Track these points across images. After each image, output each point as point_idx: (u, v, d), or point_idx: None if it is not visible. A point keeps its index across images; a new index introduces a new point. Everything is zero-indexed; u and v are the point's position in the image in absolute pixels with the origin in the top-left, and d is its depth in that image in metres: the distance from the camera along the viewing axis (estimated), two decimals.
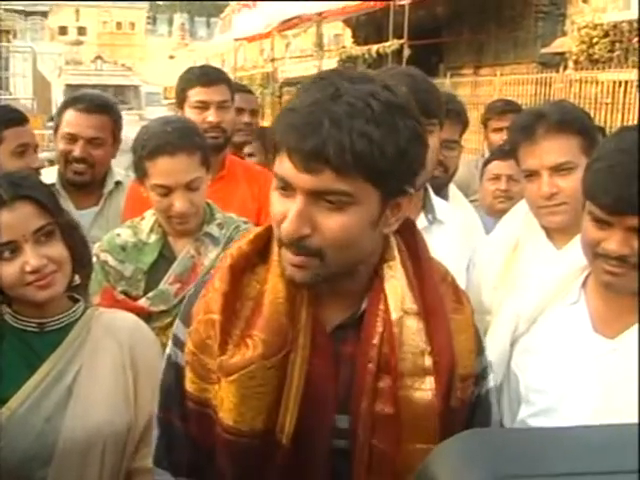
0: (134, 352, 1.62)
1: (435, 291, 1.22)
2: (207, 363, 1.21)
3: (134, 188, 2.54)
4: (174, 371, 1.31)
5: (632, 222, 1.37)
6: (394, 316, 1.17)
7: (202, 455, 1.27)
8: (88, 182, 2.67)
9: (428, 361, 1.16)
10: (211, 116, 2.59)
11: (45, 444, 1.49)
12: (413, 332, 1.17)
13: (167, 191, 1.97)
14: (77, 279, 1.66)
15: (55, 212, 1.57)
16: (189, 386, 1.25)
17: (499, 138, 3.69)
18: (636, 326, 1.45)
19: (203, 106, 2.61)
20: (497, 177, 3.03)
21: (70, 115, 2.62)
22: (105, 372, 1.58)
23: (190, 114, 2.60)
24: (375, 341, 1.17)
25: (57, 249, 1.55)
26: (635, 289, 1.43)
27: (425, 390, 1.15)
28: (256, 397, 1.16)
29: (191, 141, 1.99)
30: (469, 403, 1.23)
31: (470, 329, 1.25)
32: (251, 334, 1.16)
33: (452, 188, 2.55)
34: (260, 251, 1.23)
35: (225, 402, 1.17)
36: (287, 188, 1.10)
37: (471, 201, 3.01)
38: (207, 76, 2.65)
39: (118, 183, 2.76)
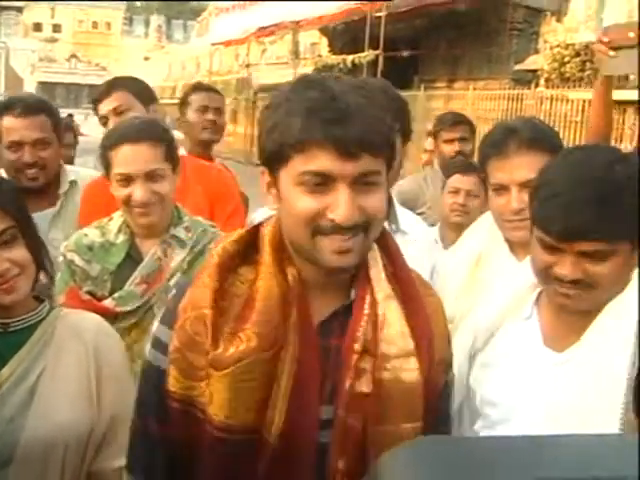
0: (98, 353, 1.61)
1: (409, 277, 1.30)
2: (194, 360, 1.21)
3: (88, 190, 2.54)
4: (154, 375, 1.30)
5: (583, 247, 1.38)
6: (380, 297, 1.24)
7: (182, 459, 1.27)
8: (43, 186, 2.59)
9: (411, 342, 1.22)
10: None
11: (6, 444, 1.48)
12: (395, 315, 1.24)
13: (128, 180, 1.97)
14: (42, 279, 1.65)
15: (17, 215, 1.55)
16: (172, 385, 1.24)
17: (450, 149, 3.75)
18: (581, 340, 1.48)
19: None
20: (456, 191, 3.09)
21: (9, 122, 2.52)
22: (69, 372, 1.58)
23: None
24: (363, 322, 1.22)
25: (20, 252, 1.53)
26: (588, 307, 1.46)
27: (411, 370, 1.21)
28: (248, 391, 1.17)
29: (154, 133, 2.01)
30: (440, 389, 1.31)
31: (443, 316, 1.34)
32: (243, 329, 1.18)
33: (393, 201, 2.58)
34: (242, 253, 1.27)
35: (216, 398, 1.18)
36: (324, 183, 1.14)
37: (418, 213, 3.07)
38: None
39: (73, 182, 2.71)
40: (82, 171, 2.99)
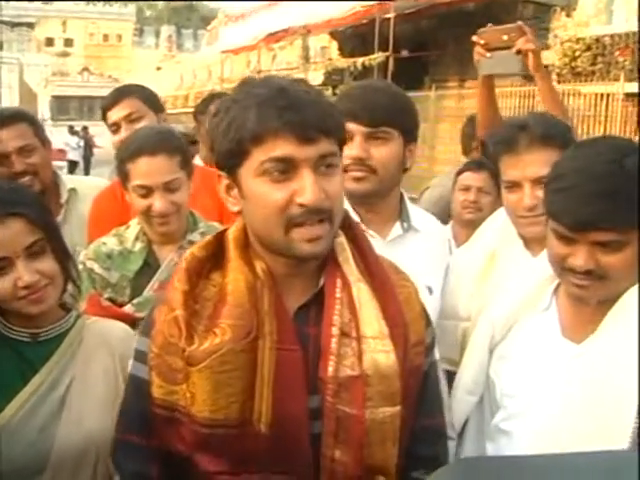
0: (125, 361, 1.62)
1: (377, 263, 1.34)
2: (172, 363, 1.24)
3: (98, 201, 2.56)
4: (135, 386, 1.33)
5: (595, 237, 1.40)
6: (352, 280, 1.27)
7: (174, 466, 1.28)
8: (41, 192, 2.54)
9: (383, 324, 1.25)
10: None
11: (39, 453, 1.51)
12: (366, 297, 1.27)
13: (147, 191, 2.02)
14: (70, 289, 1.69)
15: (46, 227, 1.58)
16: (156, 391, 1.27)
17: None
18: (597, 331, 1.49)
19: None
20: (467, 188, 3.10)
21: None
22: (97, 381, 1.60)
23: None
24: (337, 306, 1.25)
25: (48, 263, 1.57)
26: (602, 298, 1.47)
27: (387, 352, 1.23)
28: (228, 383, 1.19)
29: (171, 143, 2.05)
30: (422, 371, 1.34)
31: (417, 300, 1.37)
32: (217, 324, 1.21)
33: None
34: (211, 258, 1.31)
35: (198, 394, 1.20)
36: (287, 169, 1.18)
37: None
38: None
39: (72, 190, 2.72)
40: (83, 179, 3.00)
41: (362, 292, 1.27)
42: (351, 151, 1.79)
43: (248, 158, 1.20)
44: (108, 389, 1.61)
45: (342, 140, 1.27)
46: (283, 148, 1.17)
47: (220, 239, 1.33)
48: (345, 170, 1.78)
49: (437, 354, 1.44)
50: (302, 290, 1.29)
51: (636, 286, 1.46)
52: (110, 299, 2.04)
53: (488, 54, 2.55)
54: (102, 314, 1.86)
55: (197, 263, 1.29)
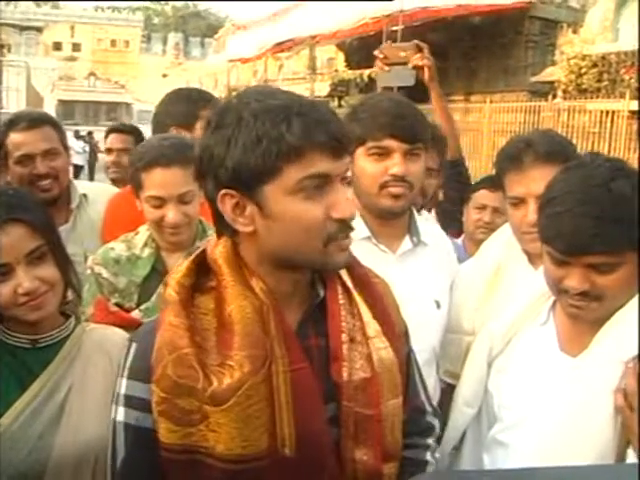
0: None
1: (358, 263, 1.34)
2: (185, 405, 1.16)
3: (113, 204, 2.58)
4: (134, 437, 1.22)
5: (589, 260, 1.42)
6: (350, 286, 1.29)
7: None
8: (57, 197, 2.60)
9: (376, 323, 1.28)
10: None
11: (37, 460, 1.49)
12: (358, 300, 1.29)
13: (161, 202, 2.02)
14: (70, 295, 1.67)
15: (48, 233, 1.56)
16: (167, 437, 1.17)
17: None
18: (592, 345, 1.51)
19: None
20: (483, 207, 2.99)
21: (16, 137, 2.53)
22: (96, 388, 1.59)
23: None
24: (343, 312, 1.26)
25: (49, 270, 1.55)
26: (598, 317, 1.49)
27: (386, 347, 1.26)
28: (256, 415, 1.15)
29: (185, 155, 2.04)
30: (406, 359, 1.38)
31: (390, 293, 1.40)
32: (231, 356, 1.15)
33: (425, 213, 2.60)
34: (193, 284, 1.24)
35: (224, 432, 1.14)
36: (321, 184, 1.16)
37: None
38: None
39: (84, 196, 2.73)
40: (93, 185, 3.03)
41: (357, 296, 1.29)
42: (392, 169, 1.81)
43: (279, 176, 1.13)
44: (107, 396, 1.57)
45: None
46: (321, 164, 1.14)
47: (199, 263, 1.25)
48: (382, 186, 1.81)
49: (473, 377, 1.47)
50: (299, 304, 1.27)
51: (631, 301, 1.48)
52: (117, 304, 2.04)
53: (386, 68, 2.83)
54: (109, 319, 1.88)
55: (186, 293, 1.22)
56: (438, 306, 1.91)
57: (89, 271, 2.06)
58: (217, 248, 1.24)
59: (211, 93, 2.80)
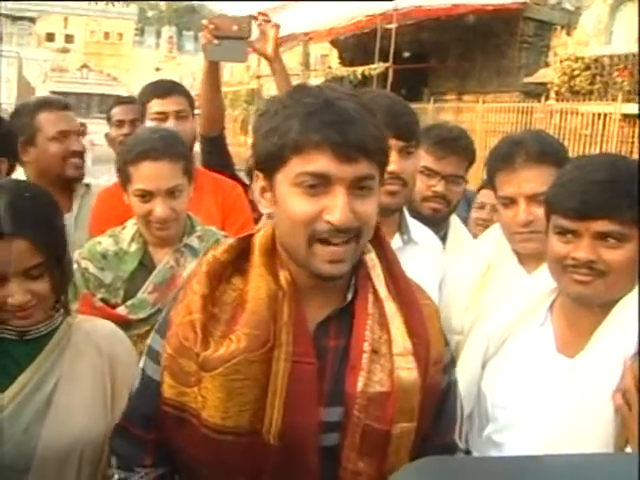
0: (113, 360, 1.62)
1: (405, 280, 1.33)
2: (185, 366, 1.23)
3: (101, 199, 2.57)
4: (145, 383, 1.34)
5: (598, 227, 1.44)
6: (383, 296, 1.27)
7: (181, 468, 1.32)
8: (81, 177, 2.77)
9: (408, 342, 1.24)
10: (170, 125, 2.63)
11: (23, 453, 1.48)
12: (394, 314, 1.26)
13: (149, 196, 2.01)
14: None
15: (50, 250, 1.52)
16: (167, 391, 1.27)
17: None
18: (588, 346, 1.51)
19: (161, 117, 2.68)
20: (482, 206, 3.04)
21: (52, 116, 2.67)
22: (84, 380, 1.58)
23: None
24: (369, 321, 1.24)
25: (43, 286, 1.52)
26: (600, 298, 1.49)
27: (410, 368, 1.23)
28: (240, 391, 1.18)
29: (175, 149, 2.03)
30: (440, 389, 1.32)
31: (438, 319, 1.36)
32: (234, 330, 1.20)
33: (454, 219, 2.57)
34: (234, 262, 1.29)
35: (210, 399, 1.20)
36: (321, 184, 1.16)
37: None
38: (162, 88, 2.75)
39: (87, 185, 2.83)
40: (94, 180, 3.06)
41: (391, 309, 1.26)
42: (389, 166, 1.80)
43: (286, 165, 1.18)
44: (95, 388, 1.59)
45: (384, 163, 1.24)
46: (320, 163, 1.15)
47: (244, 243, 1.31)
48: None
49: (455, 374, 1.42)
50: (324, 303, 1.28)
51: (625, 298, 1.48)
52: (103, 300, 2.02)
53: (216, 41, 2.63)
54: (95, 315, 1.85)
55: (219, 266, 1.27)
56: None
57: (75, 265, 2.04)
58: (260, 231, 1.31)
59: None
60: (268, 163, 1.21)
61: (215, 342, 1.21)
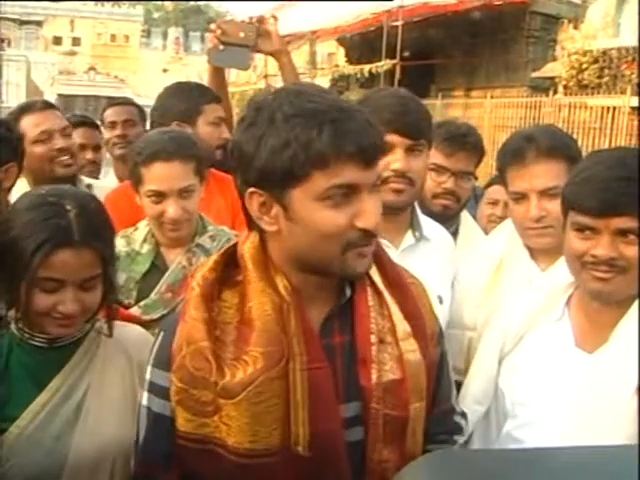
0: (143, 367, 1.60)
1: (391, 263, 1.33)
2: (200, 396, 1.19)
3: (111, 200, 2.57)
4: (155, 423, 1.27)
5: (618, 224, 1.43)
6: (381, 287, 1.27)
7: None
8: (74, 174, 2.71)
9: (407, 324, 1.26)
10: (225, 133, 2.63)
11: (54, 462, 1.47)
12: (389, 301, 1.27)
13: (161, 197, 2.01)
14: None
15: (108, 263, 1.53)
16: (185, 426, 1.21)
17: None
18: (609, 341, 1.50)
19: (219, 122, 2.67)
20: (495, 202, 3.00)
21: (33, 118, 2.62)
22: (114, 387, 1.57)
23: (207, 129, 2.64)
24: (373, 314, 1.24)
25: (94, 297, 1.52)
26: (623, 296, 1.48)
27: (414, 350, 1.24)
28: (267, 412, 1.16)
29: (186, 150, 2.04)
30: (437, 361, 1.35)
31: (425, 294, 1.38)
32: (247, 351, 1.17)
33: (465, 215, 2.57)
34: (221, 278, 1.26)
35: (234, 426, 1.16)
36: (348, 193, 1.13)
37: None
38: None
39: (89, 186, 2.77)
40: (94, 180, 3.06)
41: (388, 297, 1.27)
42: (394, 164, 1.79)
43: (307, 181, 1.11)
44: (125, 396, 1.58)
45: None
46: (350, 174, 1.12)
47: (228, 256, 1.27)
48: (384, 182, 1.78)
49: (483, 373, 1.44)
50: (325, 302, 1.26)
51: None
52: (116, 301, 2.03)
53: (221, 47, 2.61)
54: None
55: (209, 286, 1.23)
56: (441, 301, 1.90)
57: None
58: (246, 243, 1.26)
59: (211, 88, 2.77)
60: (279, 180, 1.13)
61: (228, 367, 1.17)
